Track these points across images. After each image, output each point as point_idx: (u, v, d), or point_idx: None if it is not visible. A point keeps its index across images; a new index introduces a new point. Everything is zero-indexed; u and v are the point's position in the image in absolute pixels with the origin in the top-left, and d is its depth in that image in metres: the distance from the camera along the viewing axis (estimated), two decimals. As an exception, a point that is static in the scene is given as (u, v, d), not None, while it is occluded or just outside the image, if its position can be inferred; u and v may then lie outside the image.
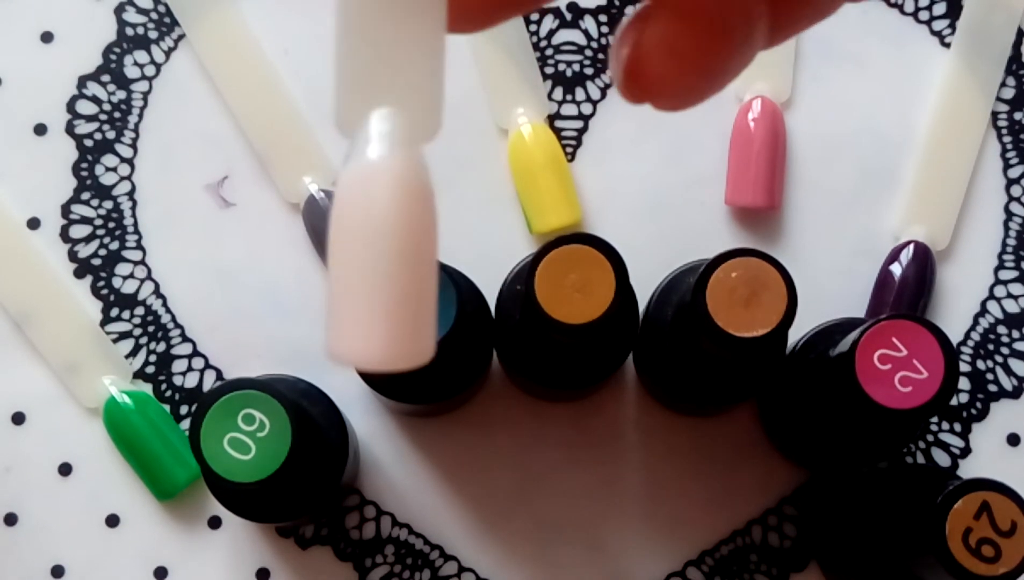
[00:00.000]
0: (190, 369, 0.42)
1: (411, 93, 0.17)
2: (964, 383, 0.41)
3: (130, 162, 0.42)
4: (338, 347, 0.16)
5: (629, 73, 0.18)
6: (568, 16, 0.43)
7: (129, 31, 0.43)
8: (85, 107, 0.43)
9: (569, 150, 0.42)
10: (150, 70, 0.43)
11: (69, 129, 0.43)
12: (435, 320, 0.16)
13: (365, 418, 0.41)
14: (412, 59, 0.17)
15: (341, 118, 0.17)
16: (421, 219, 0.16)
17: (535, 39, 0.43)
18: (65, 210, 0.42)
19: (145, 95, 0.43)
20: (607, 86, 0.43)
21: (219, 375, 0.42)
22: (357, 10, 0.17)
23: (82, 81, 0.43)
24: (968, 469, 0.41)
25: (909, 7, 0.43)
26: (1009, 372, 0.42)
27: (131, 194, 0.42)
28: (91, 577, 0.41)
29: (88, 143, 0.42)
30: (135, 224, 0.42)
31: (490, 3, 0.19)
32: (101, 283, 0.42)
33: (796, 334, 0.35)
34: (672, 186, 0.42)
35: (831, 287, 0.42)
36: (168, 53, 0.43)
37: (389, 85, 0.17)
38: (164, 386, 0.42)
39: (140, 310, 0.42)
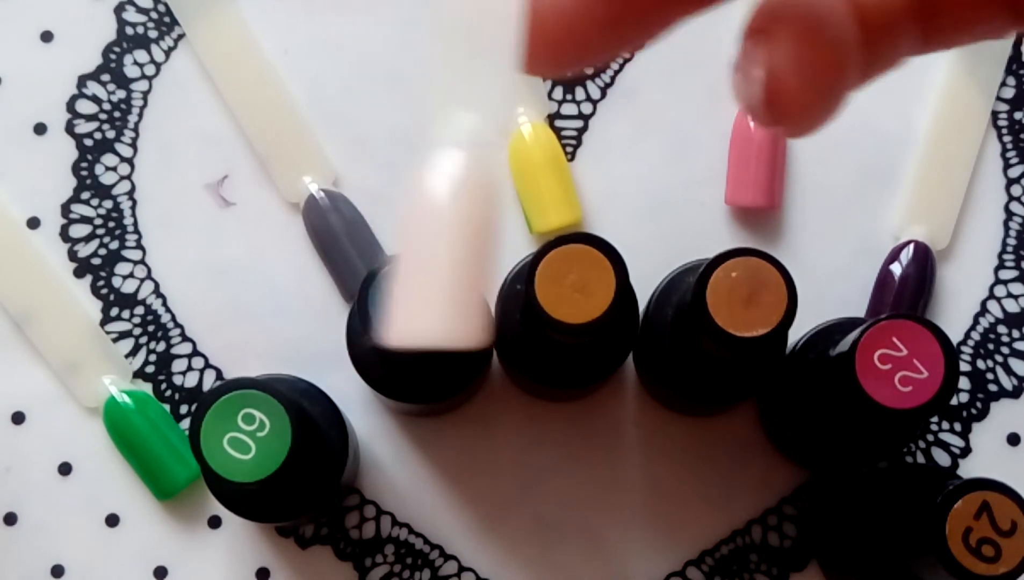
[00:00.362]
0: (190, 369, 0.42)
1: (490, 95, 0.19)
2: (964, 383, 0.41)
3: (130, 162, 0.42)
4: (404, 324, 0.18)
5: (768, 95, 0.19)
6: None
7: (129, 31, 0.43)
8: (85, 107, 0.43)
9: (569, 150, 0.42)
10: (150, 70, 0.43)
11: (69, 129, 0.43)
12: (488, 314, 0.18)
13: (365, 418, 0.41)
14: (488, 73, 0.19)
15: (430, 115, 0.19)
16: (493, 213, 0.18)
17: (535, 39, 0.43)
18: (65, 210, 0.42)
19: (145, 95, 0.43)
20: (607, 86, 0.43)
21: (219, 375, 0.42)
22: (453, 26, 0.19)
23: (82, 81, 0.43)
24: (968, 469, 0.41)
25: (909, 7, 0.43)
26: (1009, 372, 0.42)
27: (131, 194, 0.42)
28: (91, 577, 0.41)
29: (88, 143, 0.42)
30: (135, 224, 0.42)
31: (580, 37, 0.19)
32: (101, 283, 0.42)
33: (796, 334, 0.35)
34: (672, 186, 0.42)
35: (831, 287, 0.42)
36: (168, 53, 0.43)
37: (477, 90, 0.19)
38: (164, 386, 0.42)
39: (140, 310, 0.42)
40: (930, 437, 0.41)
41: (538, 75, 0.20)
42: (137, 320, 0.42)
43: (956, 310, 0.42)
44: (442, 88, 0.19)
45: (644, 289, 0.37)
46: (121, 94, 0.43)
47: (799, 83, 0.18)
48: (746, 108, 0.19)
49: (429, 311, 0.18)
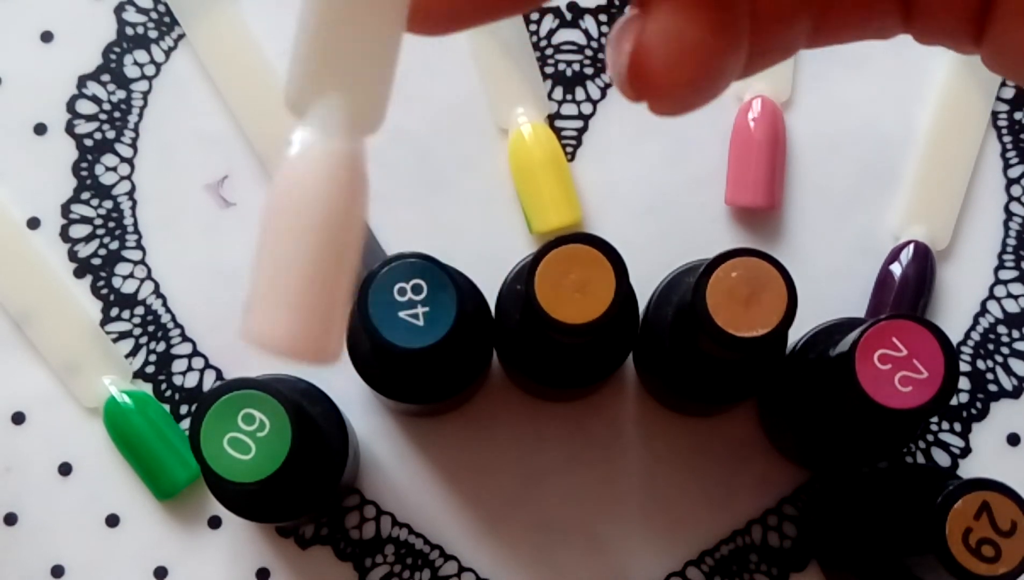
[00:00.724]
0: (190, 369, 0.42)
1: (360, 84, 0.17)
2: (964, 383, 0.41)
3: (130, 162, 0.42)
4: (249, 327, 0.16)
5: (631, 68, 0.18)
6: (568, 16, 0.43)
7: (129, 31, 0.43)
8: (85, 107, 0.43)
9: (569, 150, 0.42)
10: (150, 70, 0.43)
11: (69, 129, 0.43)
12: (343, 322, 0.16)
13: (365, 418, 0.41)
14: (366, 51, 0.17)
15: (290, 99, 0.17)
16: (346, 211, 0.17)
17: (535, 39, 0.43)
18: (65, 210, 0.42)
19: (145, 95, 0.43)
20: (607, 86, 0.43)
21: (219, 375, 0.42)
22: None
23: (82, 81, 0.43)
24: (968, 469, 0.41)
25: (909, 7, 0.43)
26: (1009, 372, 0.42)
27: (131, 194, 0.42)
28: (91, 577, 0.41)
29: (88, 143, 0.42)
30: (135, 224, 0.42)
31: (455, 8, 0.18)
32: (101, 283, 0.42)
33: (796, 334, 0.35)
34: (672, 186, 0.42)
35: (831, 287, 0.42)
36: (168, 53, 0.43)
37: (340, 73, 0.17)
38: (164, 386, 0.42)
39: (140, 310, 0.42)
40: (930, 437, 0.41)
41: (423, 35, 0.19)
42: (137, 320, 0.42)
43: (956, 310, 0.42)
44: (311, 61, 0.17)
45: (644, 289, 0.37)
46: (121, 94, 0.43)
47: (665, 61, 0.18)
48: (613, 80, 0.19)
49: (273, 317, 0.16)
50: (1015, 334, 0.42)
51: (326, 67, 0.17)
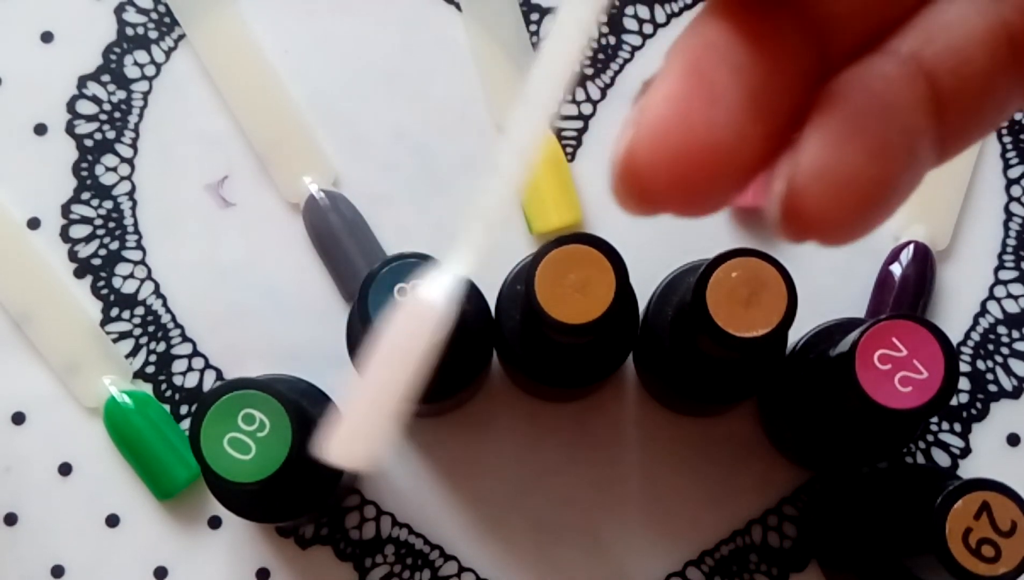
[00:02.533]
0: (190, 369, 0.42)
1: (472, 258, 0.19)
2: (964, 383, 0.41)
3: (130, 162, 0.42)
4: (333, 444, 0.19)
5: (788, 212, 0.16)
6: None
7: (129, 31, 0.43)
8: (85, 107, 0.43)
9: (569, 150, 0.42)
10: (150, 70, 0.43)
11: (69, 129, 0.43)
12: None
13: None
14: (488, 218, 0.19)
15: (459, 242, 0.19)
16: (426, 362, 0.18)
17: (535, 39, 0.43)
18: (65, 210, 0.42)
19: (145, 95, 0.43)
20: (607, 86, 0.43)
21: (219, 375, 0.42)
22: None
23: (82, 81, 0.43)
24: (968, 469, 0.41)
25: (909, 7, 0.43)
26: (1009, 372, 0.42)
27: (131, 194, 0.42)
28: (91, 577, 0.41)
29: (88, 143, 0.42)
30: (135, 224, 0.42)
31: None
32: (101, 283, 0.42)
33: (796, 334, 0.35)
34: (672, 186, 0.42)
35: (831, 287, 0.42)
36: (168, 53, 0.43)
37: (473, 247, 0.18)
38: (164, 386, 0.42)
39: (140, 310, 0.42)
40: (930, 437, 0.41)
41: (641, 213, 0.17)
42: (137, 320, 0.42)
43: (956, 310, 0.42)
44: (477, 222, 0.18)
45: (644, 289, 0.37)
46: (121, 94, 0.43)
47: (819, 202, 0.15)
48: (771, 222, 0.16)
49: (358, 443, 0.18)
50: (1015, 334, 0.42)
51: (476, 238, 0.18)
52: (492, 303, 0.37)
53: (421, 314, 0.18)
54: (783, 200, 0.16)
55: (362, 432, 0.18)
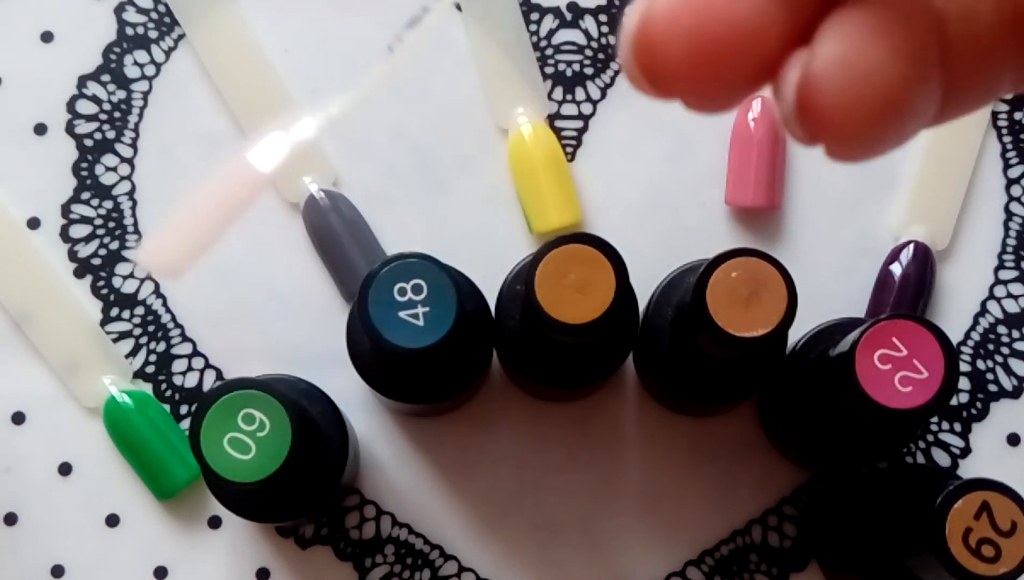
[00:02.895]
0: (190, 369, 0.42)
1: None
2: (964, 383, 0.41)
3: (130, 162, 0.42)
4: (143, 244, 0.20)
5: (800, 102, 0.15)
6: (568, 16, 0.43)
7: (129, 31, 0.43)
8: (85, 107, 0.43)
9: (569, 150, 0.42)
10: (150, 70, 0.43)
11: (69, 129, 0.43)
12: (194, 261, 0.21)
13: (365, 418, 0.41)
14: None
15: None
16: (241, 209, 0.21)
17: (535, 39, 0.43)
18: (65, 210, 0.42)
19: (145, 95, 0.43)
20: (607, 86, 0.43)
21: (219, 375, 0.42)
22: None
23: (82, 81, 0.43)
24: (968, 469, 0.41)
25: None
26: (1009, 372, 0.42)
27: (131, 194, 0.42)
28: (91, 577, 0.41)
29: (88, 143, 0.42)
30: (135, 224, 0.42)
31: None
32: (101, 283, 0.42)
33: (796, 334, 0.35)
34: (672, 186, 0.42)
35: (831, 287, 0.42)
36: (168, 53, 0.43)
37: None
38: (164, 386, 0.42)
39: (140, 310, 0.42)
40: (930, 437, 0.41)
41: (653, 94, 0.16)
42: (137, 320, 0.42)
43: (956, 310, 0.42)
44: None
45: (644, 289, 0.37)
46: (121, 94, 0.43)
47: (840, 90, 0.15)
48: (781, 119, 0.16)
49: (162, 246, 0.20)
50: (1015, 334, 0.42)
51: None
52: (492, 303, 0.37)
53: (247, 168, 0.21)
54: (799, 88, 0.15)
55: (174, 243, 0.21)
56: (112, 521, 0.41)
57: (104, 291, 0.42)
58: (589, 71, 0.43)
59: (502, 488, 0.41)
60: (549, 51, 0.43)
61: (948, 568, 0.32)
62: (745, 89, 0.15)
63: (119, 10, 0.43)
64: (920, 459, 0.41)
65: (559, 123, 0.43)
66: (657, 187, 0.42)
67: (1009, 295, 0.42)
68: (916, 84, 0.15)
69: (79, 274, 0.42)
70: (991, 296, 0.42)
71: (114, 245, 0.42)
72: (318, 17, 0.43)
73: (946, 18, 0.15)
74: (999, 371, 0.42)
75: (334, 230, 0.41)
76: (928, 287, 0.41)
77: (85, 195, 0.42)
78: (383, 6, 0.43)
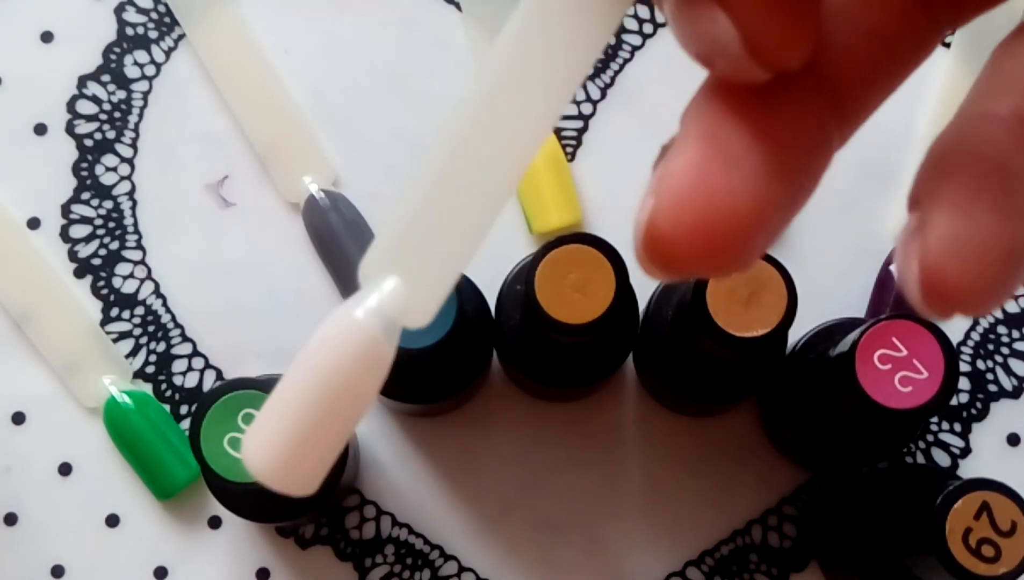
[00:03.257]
0: (190, 369, 0.42)
1: (425, 281, 0.18)
2: (964, 383, 0.41)
3: (130, 162, 0.42)
4: (245, 446, 0.18)
5: (929, 289, 0.15)
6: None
7: (129, 31, 0.43)
8: (85, 107, 0.43)
9: (569, 150, 0.42)
10: (150, 70, 0.43)
11: (69, 129, 0.43)
12: (324, 469, 0.18)
13: (365, 418, 0.41)
14: (446, 250, 0.18)
15: (363, 266, 0.18)
16: (357, 388, 0.18)
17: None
18: (65, 210, 0.42)
19: (145, 95, 0.43)
20: (607, 86, 0.43)
21: (219, 375, 0.42)
22: (437, 192, 0.18)
23: (82, 81, 0.43)
24: (968, 469, 0.41)
25: (909, 7, 0.43)
26: (1009, 372, 0.42)
27: (131, 194, 0.42)
28: (91, 577, 0.41)
29: (88, 143, 0.42)
30: (135, 224, 0.42)
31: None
32: (101, 283, 0.42)
33: (796, 334, 0.35)
34: (672, 186, 0.42)
35: (831, 287, 0.42)
36: (168, 53, 0.43)
37: (413, 263, 0.18)
38: (164, 386, 0.42)
39: (140, 310, 0.42)
40: (930, 437, 0.41)
41: (667, 278, 0.16)
42: (137, 320, 0.42)
43: (956, 310, 0.42)
44: (393, 237, 0.18)
45: (644, 289, 0.37)
46: (121, 94, 0.43)
47: (960, 274, 0.15)
48: (907, 295, 0.16)
49: (262, 443, 0.18)
50: (1015, 334, 0.42)
51: (411, 250, 0.18)
52: (492, 303, 0.37)
53: (343, 334, 0.18)
54: (922, 280, 0.15)
55: (273, 445, 0.18)
56: (112, 521, 0.41)
57: (104, 291, 0.42)
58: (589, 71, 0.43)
59: (502, 488, 0.41)
60: (549, 51, 0.43)
61: (948, 568, 0.32)
62: (756, 257, 0.16)
63: (119, 10, 0.43)
64: (920, 459, 0.41)
65: (559, 123, 0.42)
66: (657, 187, 0.42)
67: (1009, 295, 0.42)
68: None
69: (79, 274, 0.42)
70: (991, 296, 0.42)
71: (114, 245, 0.42)
72: (318, 17, 0.43)
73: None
74: (999, 371, 0.42)
75: (334, 230, 0.41)
76: (928, 287, 0.41)
77: (85, 195, 0.42)
78: (383, 6, 0.43)
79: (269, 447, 0.18)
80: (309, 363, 0.18)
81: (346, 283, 0.41)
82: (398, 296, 0.18)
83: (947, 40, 0.43)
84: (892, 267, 0.41)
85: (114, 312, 0.42)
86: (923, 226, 0.15)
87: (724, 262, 0.16)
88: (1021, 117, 0.16)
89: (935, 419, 0.41)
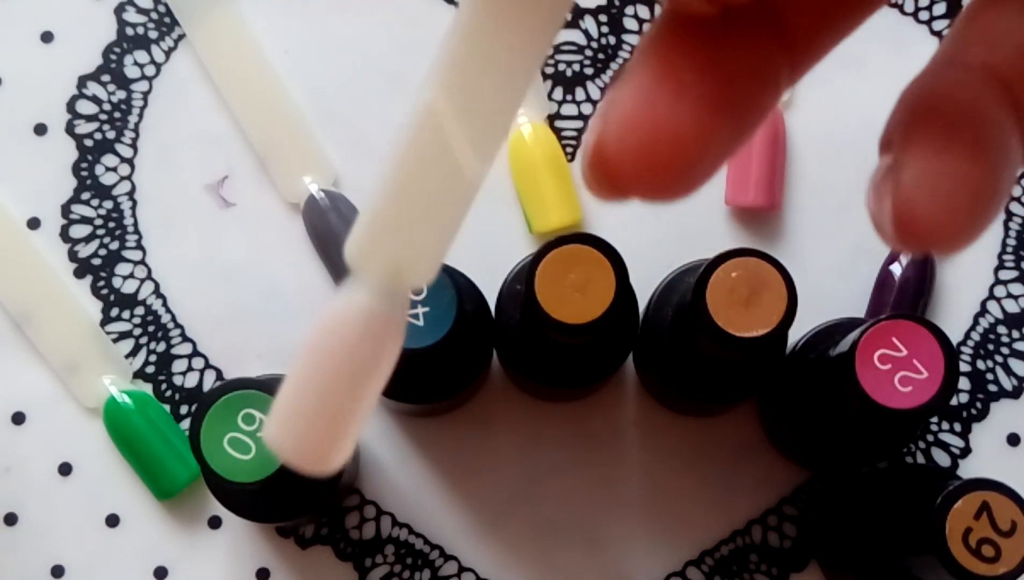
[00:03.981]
0: (190, 369, 0.42)
1: (417, 255, 0.18)
2: (964, 383, 0.41)
3: (130, 162, 0.42)
4: (269, 431, 0.19)
5: (902, 226, 0.16)
6: (568, 16, 0.43)
7: (129, 31, 0.43)
8: (85, 107, 0.43)
9: (569, 150, 0.42)
10: (150, 70, 0.43)
11: (69, 129, 0.43)
12: (347, 444, 0.18)
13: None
14: (433, 226, 0.18)
15: (351, 254, 0.18)
16: (370, 366, 0.18)
17: (535, 39, 0.43)
18: (65, 210, 0.42)
19: (145, 95, 0.43)
20: (607, 86, 0.43)
21: (219, 375, 0.42)
22: (407, 166, 0.18)
23: (82, 81, 0.43)
24: (968, 469, 0.41)
25: (909, 7, 0.43)
26: (1009, 372, 0.42)
27: (131, 194, 0.42)
28: (91, 577, 0.41)
29: (88, 143, 0.42)
30: (135, 224, 0.42)
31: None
32: (101, 283, 0.42)
33: (796, 334, 0.35)
34: (672, 186, 0.42)
35: (831, 287, 0.42)
36: (168, 53, 0.43)
37: (402, 243, 0.18)
38: (164, 386, 0.42)
39: (140, 310, 0.42)
40: (930, 437, 0.41)
41: (610, 199, 0.17)
42: (137, 320, 0.42)
43: (956, 310, 0.42)
44: (383, 221, 0.18)
45: (644, 289, 0.37)
46: (121, 94, 0.43)
47: (932, 213, 0.16)
48: (880, 234, 0.17)
49: (288, 432, 0.18)
50: (1015, 334, 0.42)
51: (390, 236, 0.18)
52: (492, 303, 0.37)
53: (348, 317, 0.18)
54: (895, 217, 0.16)
55: (295, 428, 0.18)
56: (112, 521, 0.41)
57: (104, 291, 0.42)
58: (589, 71, 0.43)
59: (502, 488, 0.41)
60: (549, 51, 0.43)
61: (948, 568, 0.32)
62: (696, 187, 0.17)
63: (119, 10, 0.43)
64: (920, 459, 0.41)
65: (559, 123, 0.43)
66: (657, 187, 0.42)
67: (1009, 295, 0.42)
68: (999, 173, 0.16)
69: (79, 274, 0.42)
70: (991, 296, 0.42)
71: (114, 245, 0.42)
72: (318, 17, 0.43)
73: (1011, 81, 0.16)
74: (999, 371, 0.42)
75: (334, 230, 0.41)
76: (928, 287, 0.41)
77: (85, 195, 0.42)
78: (383, 6, 0.43)
79: (293, 431, 0.18)
80: (321, 351, 0.18)
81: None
82: (396, 275, 0.18)
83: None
84: (892, 267, 0.41)
85: (114, 312, 0.42)
86: (896, 166, 0.16)
87: (665, 186, 0.16)
88: (990, 68, 0.16)
89: (935, 419, 0.41)
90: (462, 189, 0.18)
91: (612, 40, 0.43)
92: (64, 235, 0.42)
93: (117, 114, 0.43)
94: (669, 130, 0.16)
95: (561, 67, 0.43)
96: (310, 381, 0.18)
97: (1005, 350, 0.42)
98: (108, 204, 0.42)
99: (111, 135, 0.42)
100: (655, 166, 0.16)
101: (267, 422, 0.19)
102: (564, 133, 0.42)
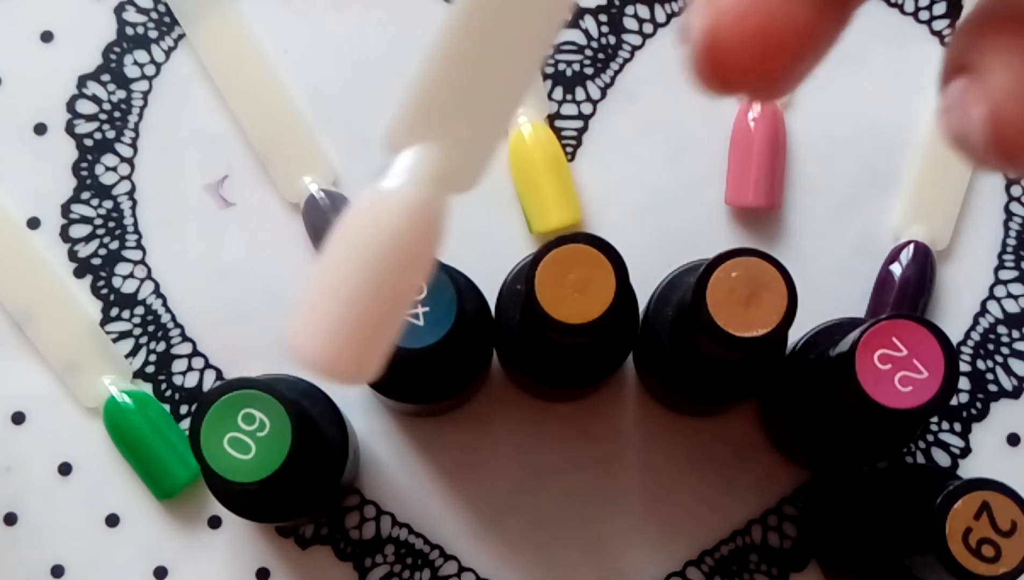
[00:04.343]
0: (190, 369, 0.42)
1: (466, 144, 0.17)
2: (964, 383, 0.41)
3: (130, 162, 0.42)
4: (292, 338, 0.17)
5: (996, 136, 0.16)
6: (568, 16, 0.43)
7: (129, 31, 0.43)
8: (85, 107, 0.43)
9: (569, 150, 0.42)
10: (150, 70, 0.43)
11: (69, 129, 0.43)
12: (383, 351, 0.16)
13: (365, 418, 0.41)
14: (484, 109, 0.17)
15: (393, 131, 0.17)
16: (411, 261, 0.17)
17: (535, 39, 0.43)
18: (65, 210, 0.42)
19: (145, 95, 0.43)
20: (607, 86, 0.43)
21: (219, 375, 0.42)
22: (460, 49, 0.17)
23: (82, 81, 0.43)
24: (968, 469, 0.41)
25: (909, 7, 0.43)
26: (1009, 372, 0.42)
27: (131, 194, 0.42)
28: (91, 577, 0.41)
29: (88, 143, 0.42)
30: (135, 224, 0.42)
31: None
32: (101, 283, 0.42)
33: (796, 334, 0.35)
34: (672, 186, 0.42)
35: (831, 287, 0.42)
36: (168, 53, 0.43)
37: (453, 124, 0.17)
38: (164, 386, 0.42)
39: (140, 310, 0.42)
40: (930, 437, 0.41)
41: (720, 93, 0.17)
42: (137, 320, 0.42)
43: (956, 310, 0.42)
44: (431, 96, 0.16)
45: (644, 289, 0.37)
46: (121, 94, 0.43)
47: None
48: (966, 153, 0.16)
49: (315, 334, 0.17)
50: (1015, 334, 0.42)
51: (440, 113, 0.16)
52: (492, 303, 0.37)
53: (387, 201, 0.16)
54: (991, 126, 0.16)
55: (316, 329, 0.16)
56: (112, 521, 0.41)
57: (104, 291, 0.42)
58: (589, 71, 0.43)
59: (502, 488, 0.41)
60: (549, 51, 0.43)
61: (948, 568, 0.32)
62: (799, 82, 0.16)
63: (119, 10, 0.43)
64: (920, 459, 0.41)
65: (559, 123, 0.43)
66: (657, 187, 0.42)
67: (1009, 295, 0.42)
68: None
69: (79, 274, 0.42)
70: (991, 296, 0.42)
71: (114, 245, 0.42)
72: (318, 17, 0.43)
73: None
74: (999, 371, 0.42)
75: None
76: (928, 287, 0.41)
77: (85, 195, 0.42)
78: (383, 5, 0.43)
79: (321, 335, 0.16)
80: (359, 243, 0.16)
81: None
82: (442, 161, 0.17)
83: (947, 40, 0.43)
84: (892, 267, 0.41)
85: (114, 312, 0.42)
86: (983, 78, 0.16)
87: (775, 77, 0.16)
88: None
89: (935, 419, 0.41)
90: (524, 67, 0.17)
91: (612, 40, 0.43)
92: (64, 235, 0.42)
93: (117, 114, 0.43)
94: (783, 19, 0.16)
95: (561, 67, 0.43)
96: (346, 281, 0.16)
97: (1005, 350, 0.42)
98: (108, 204, 0.42)
99: (111, 135, 0.42)
100: (768, 56, 0.16)
101: (292, 330, 0.17)
102: (564, 133, 0.42)
